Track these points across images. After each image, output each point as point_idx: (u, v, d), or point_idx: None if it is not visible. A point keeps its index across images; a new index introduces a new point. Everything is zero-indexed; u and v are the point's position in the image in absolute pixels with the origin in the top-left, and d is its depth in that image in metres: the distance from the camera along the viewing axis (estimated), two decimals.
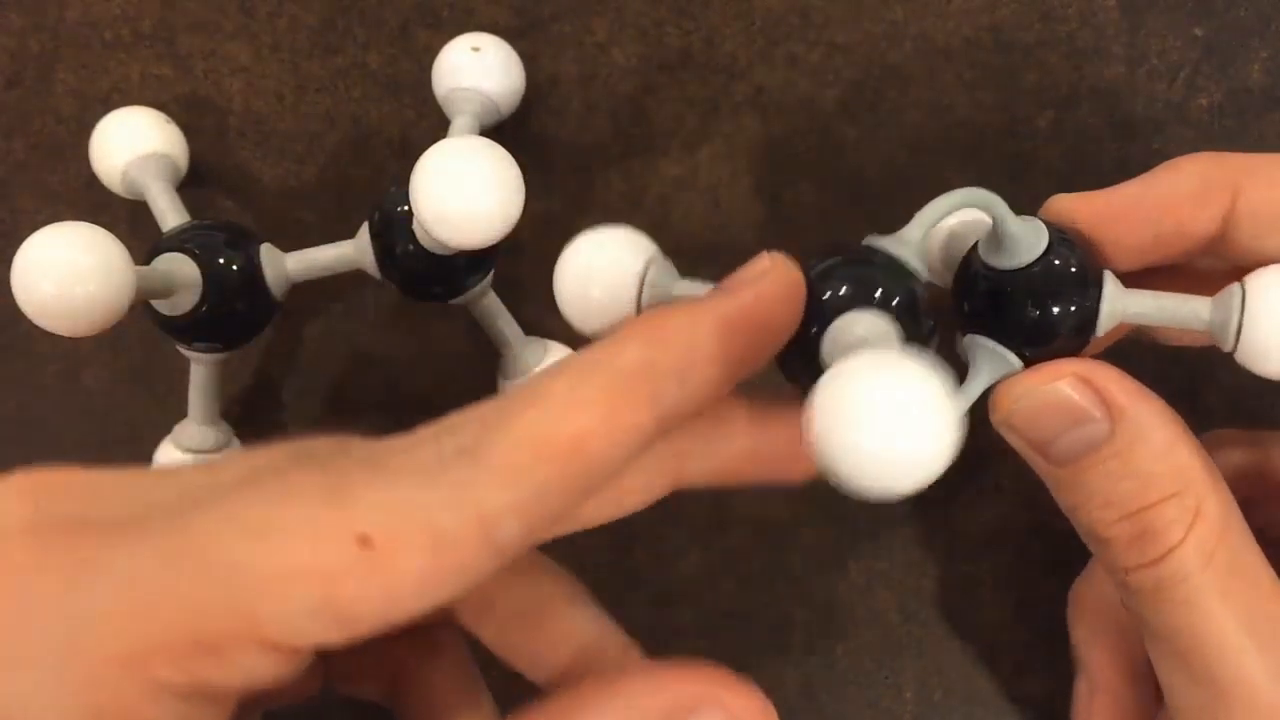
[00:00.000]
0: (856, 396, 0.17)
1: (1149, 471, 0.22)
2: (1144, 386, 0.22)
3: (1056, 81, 0.31)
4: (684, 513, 0.31)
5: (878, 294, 0.21)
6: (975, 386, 0.22)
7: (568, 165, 0.32)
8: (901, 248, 0.21)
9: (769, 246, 0.31)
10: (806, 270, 0.21)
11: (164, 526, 0.17)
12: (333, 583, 0.16)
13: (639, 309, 0.22)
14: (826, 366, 0.19)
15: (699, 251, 0.32)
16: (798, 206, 0.32)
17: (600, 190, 0.32)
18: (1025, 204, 0.31)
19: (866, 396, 0.17)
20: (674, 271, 0.22)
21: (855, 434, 0.17)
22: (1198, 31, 0.31)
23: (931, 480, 0.17)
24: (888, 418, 0.17)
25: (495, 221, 0.24)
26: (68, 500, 0.18)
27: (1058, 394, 0.22)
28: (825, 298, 0.21)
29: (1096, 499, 0.22)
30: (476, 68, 0.29)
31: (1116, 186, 0.24)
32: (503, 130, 0.31)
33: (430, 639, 0.24)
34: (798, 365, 0.21)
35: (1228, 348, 0.21)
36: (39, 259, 0.23)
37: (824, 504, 0.31)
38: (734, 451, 0.22)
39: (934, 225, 0.22)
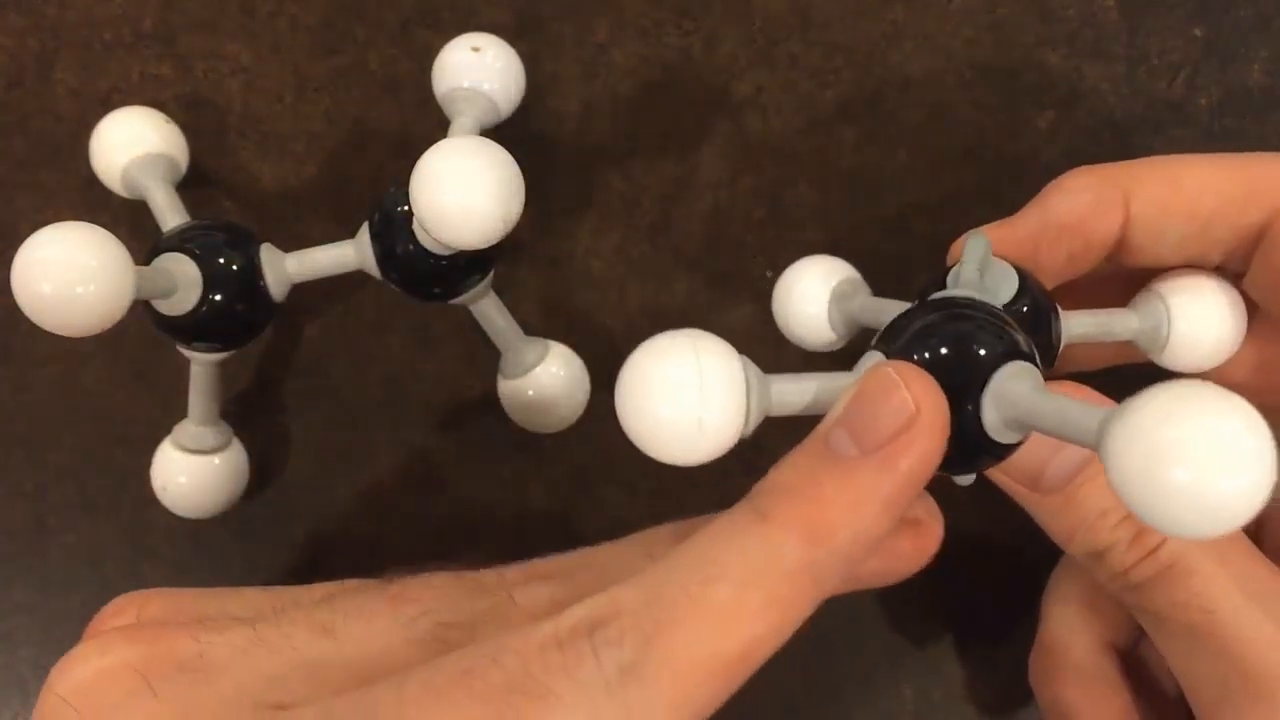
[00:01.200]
0: (646, 376, 0.18)
1: None
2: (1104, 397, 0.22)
3: (1056, 81, 0.31)
4: (684, 513, 0.31)
5: (1003, 341, 0.19)
6: None
7: (568, 165, 0.32)
8: (973, 290, 0.22)
9: (769, 247, 0.32)
10: (916, 346, 0.19)
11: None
12: None
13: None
14: (993, 437, 0.18)
15: (699, 251, 0.32)
16: (798, 206, 0.32)
17: (600, 190, 0.32)
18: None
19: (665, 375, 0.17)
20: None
21: (640, 409, 0.17)
22: (1198, 31, 0.31)
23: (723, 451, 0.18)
24: (673, 395, 0.17)
25: (495, 221, 0.24)
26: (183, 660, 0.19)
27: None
28: (969, 368, 0.18)
29: (1092, 513, 0.23)
30: (477, 68, 0.29)
31: (1016, 216, 0.25)
32: (503, 130, 0.31)
33: None
34: (954, 457, 0.19)
35: (1157, 351, 0.24)
36: (39, 259, 0.23)
37: None
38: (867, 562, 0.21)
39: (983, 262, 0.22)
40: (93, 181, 0.30)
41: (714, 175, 0.32)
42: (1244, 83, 0.31)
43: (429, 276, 0.28)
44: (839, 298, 0.27)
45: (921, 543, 0.22)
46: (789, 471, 0.19)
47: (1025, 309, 0.23)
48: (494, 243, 0.25)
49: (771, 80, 0.32)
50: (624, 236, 0.32)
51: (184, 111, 0.32)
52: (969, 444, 0.19)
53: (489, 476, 0.32)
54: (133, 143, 0.29)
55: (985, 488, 0.31)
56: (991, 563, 0.31)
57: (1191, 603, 0.23)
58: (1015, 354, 0.19)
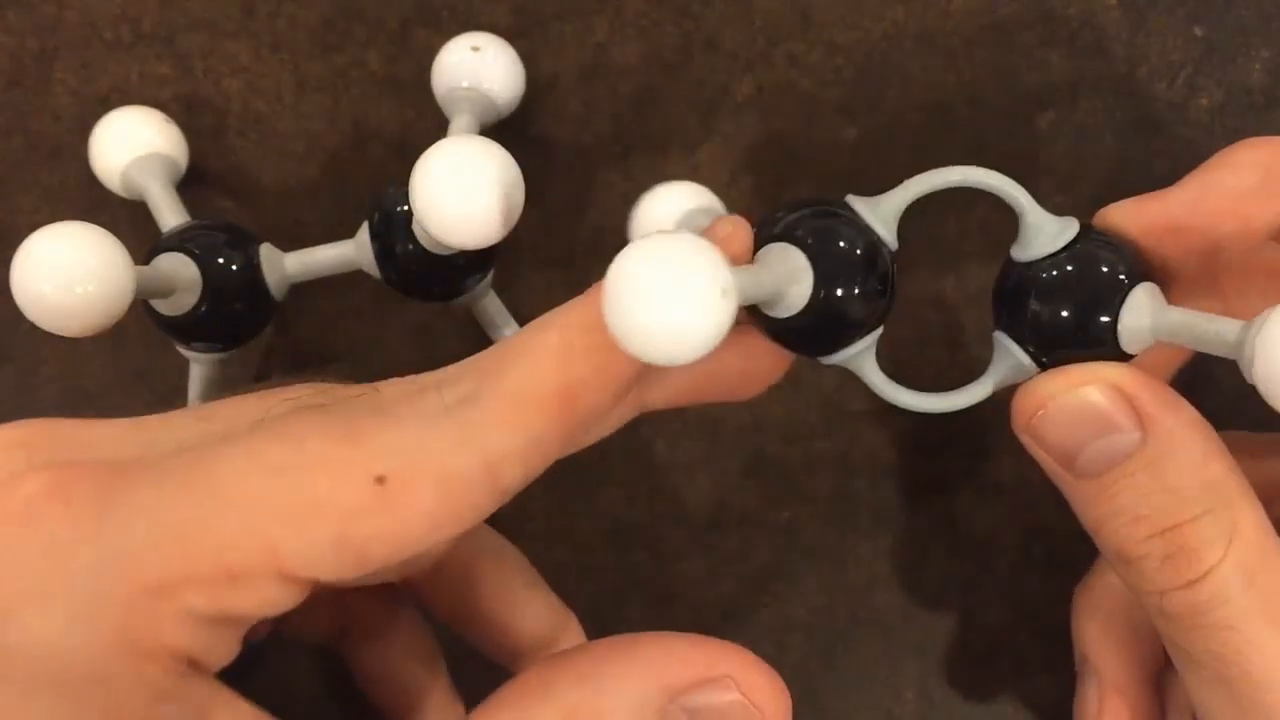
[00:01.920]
0: (633, 274, 0.17)
1: (1182, 486, 0.20)
2: (1177, 395, 0.21)
3: (1056, 81, 0.31)
4: (684, 513, 0.31)
5: (812, 238, 0.21)
6: (980, 388, 0.22)
7: (568, 165, 0.32)
8: (872, 211, 0.21)
9: None
10: (774, 219, 0.21)
11: (187, 465, 0.18)
12: (351, 519, 0.17)
13: None
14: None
15: None
16: None
17: (600, 190, 0.32)
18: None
19: (641, 272, 0.17)
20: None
21: (632, 307, 0.17)
22: (1198, 31, 0.31)
23: (704, 351, 0.17)
24: (660, 293, 0.17)
25: (495, 221, 0.24)
26: (72, 447, 0.19)
27: (1084, 399, 0.21)
28: (771, 237, 0.21)
29: (1125, 515, 0.21)
30: (476, 67, 0.29)
31: (1170, 191, 0.22)
32: (503, 130, 0.31)
33: (391, 600, 0.26)
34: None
35: (1249, 379, 0.19)
36: (39, 259, 0.23)
37: (824, 504, 0.31)
38: (693, 374, 0.22)
39: (920, 195, 0.22)
40: (92, 181, 0.30)
41: (714, 175, 0.32)
42: (1244, 83, 0.31)
43: (429, 276, 0.28)
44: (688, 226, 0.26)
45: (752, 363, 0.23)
46: None
47: (1050, 264, 0.21)
48: (494, 243, 0.25)
49: (771, 80, 0.32)
50: (624, 236, 0.32)
51: (184, 111, 0.32)
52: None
53: None
54: (132, 143, 0.29)
55: (986, 487, 0.31)
56: (992, 563, 0.31)
57: (1229, 658, 0.20)
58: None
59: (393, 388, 0.20)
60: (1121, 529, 0.21)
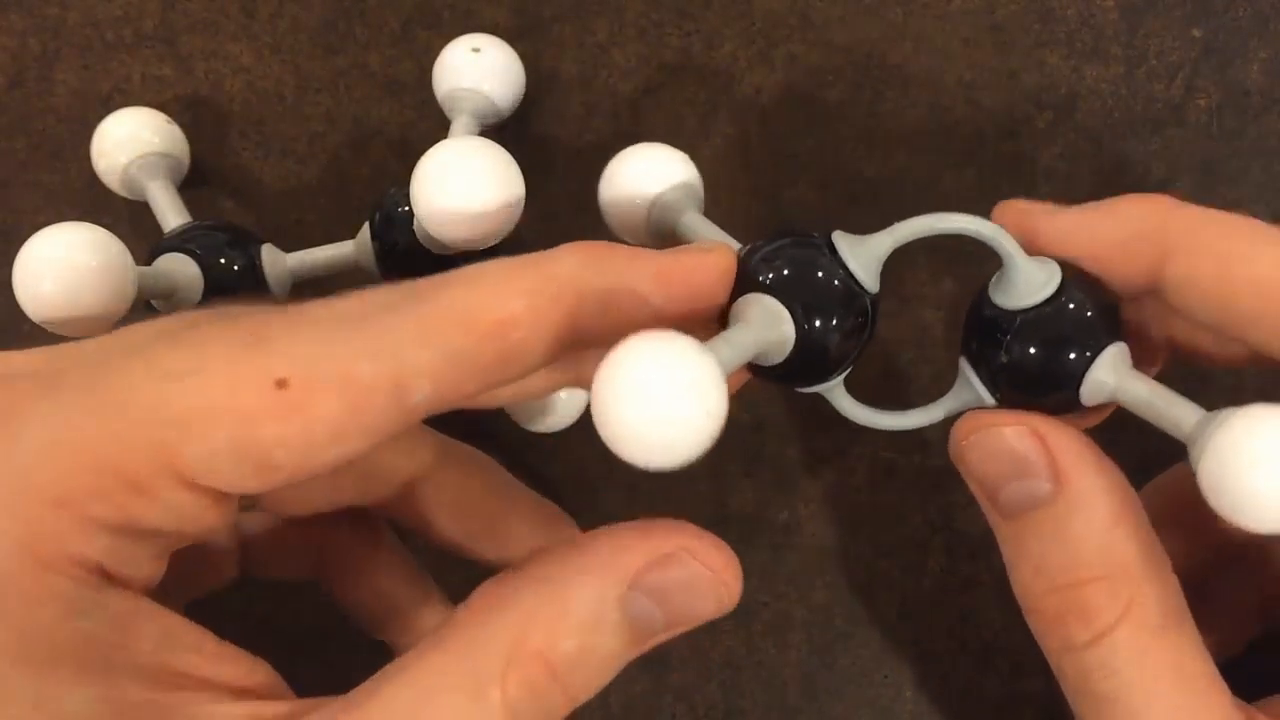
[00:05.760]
0: (624, 375, 0.17)
1: (1083, 548, 0.20)
2: (1101, 455, 0.21)
3: (1056, 81, 0.31)
4: (684, 513, 0.31)
5: (791, 287, 0.21)
6: (937, 409, 0.23)
7: (568, 165, 0.32)
8: (855, 253, 0.21)
9: None
10: (753, 248, 0.21)
11: (83, 376, 0.18)
12: (250, 423, 0.17)
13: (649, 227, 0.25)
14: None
15: None
16: (798, 206, 0.32)
17: None
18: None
19: (633, 375, 0.17)
20: (695, 202, 0.24)
21: (624, 411, 0.17)
22: (1197, 32, 0.31)
23: (697, 456, 0.17)
24: (653, 397, 0.17)
25: (495, 221, 0.24)
26: None
27: (1004, 440, 0.21)
28: (753, 277, 0.21)
29: (1029, 564, 0.21)
30: (477, 68, 0.29)
31: (1062, 212, 0.22)
32: (503, 130, 0.31)
33: (369, 529, 0.26)
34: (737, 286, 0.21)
35: (1193, 469, 0.19)
36: (40, 259, 0.23)
37: (824, 504, 0.31)
38: None
39: (908, 241, 0.21)
40: (94, 182, 0.30)
41: (714, 175, 0.32)
42: (1243, 83, 0.31)
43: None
44: (663, 205, 0.26)
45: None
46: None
47: (1027, 319, 0.21)
48: (494, 243, 0.25)
49: (771, 80, 0.32)
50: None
51: (185, 112, 0.32)
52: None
53: None
54: (134, 143, 0.29)
55: None
56: (993, 563, 0.31)
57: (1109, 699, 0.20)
58: (780, 294, 0.21)
59: (322, 299, 0.19)
60: (1024, 577, 0.21)
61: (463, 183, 0.24)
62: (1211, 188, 0.31)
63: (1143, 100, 0.31)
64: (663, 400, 0.16)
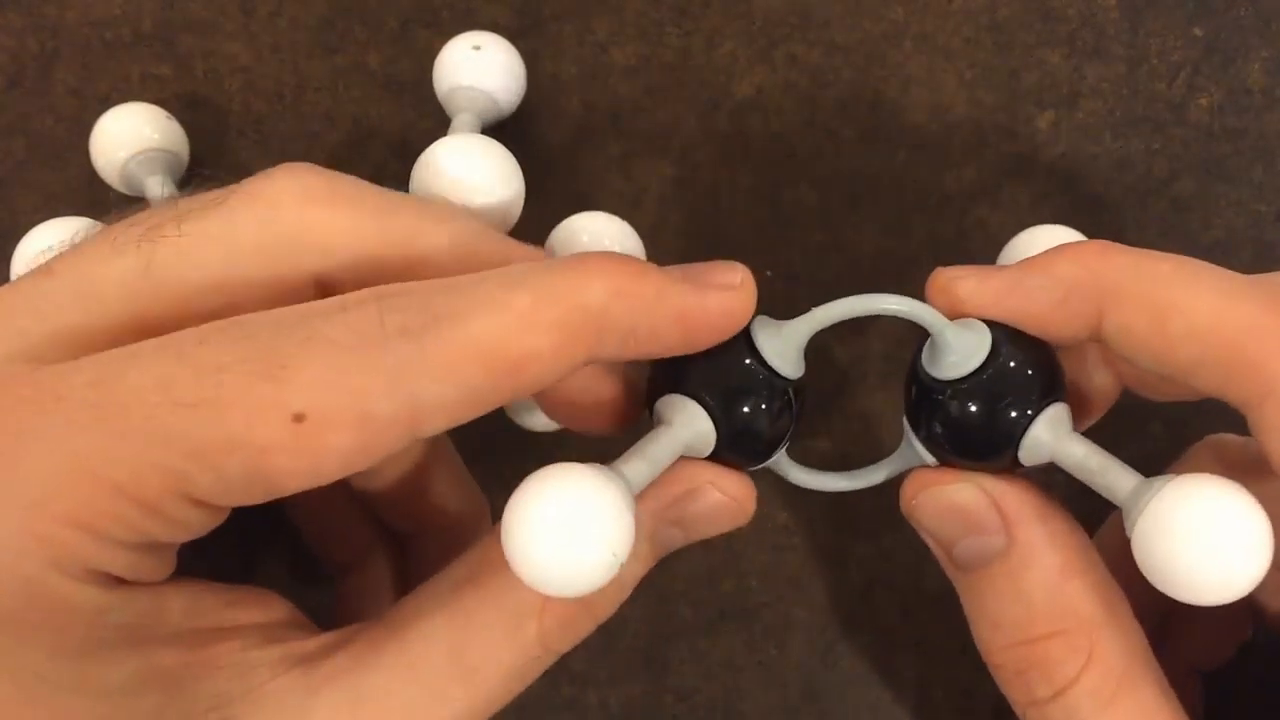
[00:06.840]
0: (529, 512, 0.17)
1: (1036, 601, 0.20)
2: (1049, 506, 0.20)
3: (1056, 81, 0.31)
4: None
5: (706, 385, 0.21)
6: (877, 473, 0.23)
7: (568, 165, 0.32)
8: (771, 344, 0.21)
9: (769, 247, 0.32)
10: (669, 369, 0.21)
11: (92, 393, 0.18)
12: (264, 455, 0.17)
13: None
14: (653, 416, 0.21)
15: (699, 252, 0.32)
16: (798, 206, 0.32)
17: (600, 190, 0.32)
18: (1025, 204, 0.31)
19: (537, 512, 0.17)
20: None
21: (528, 547, 0.17)
22: (1198, 31, 0.31)
23: (602, 585, 0.17)
24: (556, 534, 0.17)
25: (495, 221, 0.24)
26: None
27: (953, 496, 0.21)
28: (670, 376, 0.21)
29: (987, 619, 0.21)
30: (478, 66, 0.29)
31: (994, 275, 0.21)
32: (503, 130, 0.31)
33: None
34: (657, 385, 0.21)
35: (1129, 535, 0.19)
36: (38, 253, 0.23)
37: (824, 504, 0.31)
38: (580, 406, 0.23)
39: (826, 326, 0.20)
40: (93, 182, 0.30)
41: (714, 175, 0.32)
42: (1244, 83, 0.31)
43: None
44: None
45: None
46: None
47: (960, 390, 0.20)
48: None
49: (771, 80, 0.32)
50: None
51: (184, 111, 0.32)
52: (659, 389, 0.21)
53: (489, 476, 0.32)
54: (134, 138, 0.29)
55: None
56: None
57: None
58: (692, 394, 0.21)
59: (330, 301, 0.18)
60: (983, 633, 0.21)
61: (462, 181, 0.24)
62: (1212, 187, 0.31)
63: (1144, 99, 0.31)
64: (564, 538, 0.17)
